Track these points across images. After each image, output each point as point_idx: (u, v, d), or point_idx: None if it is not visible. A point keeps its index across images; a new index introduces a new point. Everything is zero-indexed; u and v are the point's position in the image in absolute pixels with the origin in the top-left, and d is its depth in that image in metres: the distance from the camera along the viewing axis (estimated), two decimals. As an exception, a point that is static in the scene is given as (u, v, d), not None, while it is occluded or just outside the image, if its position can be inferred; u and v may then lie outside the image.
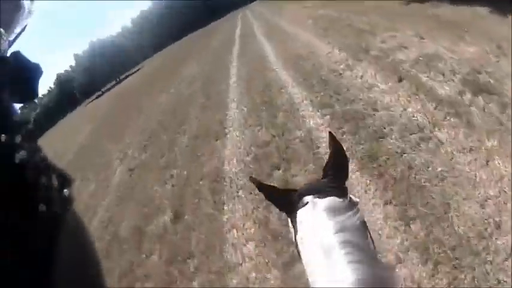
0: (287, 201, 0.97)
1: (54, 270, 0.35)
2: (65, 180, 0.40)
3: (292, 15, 17.54)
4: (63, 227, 0.37)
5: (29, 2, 0.47)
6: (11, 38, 0.44)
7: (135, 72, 52.16)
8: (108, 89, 53.66)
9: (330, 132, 1.05)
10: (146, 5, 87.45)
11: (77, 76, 62.28)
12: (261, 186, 1.05)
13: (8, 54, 0.42)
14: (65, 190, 0.39)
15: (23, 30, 0.47)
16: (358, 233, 0.84)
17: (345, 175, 1.00)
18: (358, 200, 0.96)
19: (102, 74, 56.21)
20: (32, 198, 0.35)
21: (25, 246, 0.33)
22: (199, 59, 18.52)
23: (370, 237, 0.91)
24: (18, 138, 0.36)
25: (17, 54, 0.42)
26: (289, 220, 0.97)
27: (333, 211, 0.85)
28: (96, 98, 53.56)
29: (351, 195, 0.94)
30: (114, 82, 58.64)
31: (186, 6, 68.79)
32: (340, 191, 0.92)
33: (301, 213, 0.91)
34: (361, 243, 0.82)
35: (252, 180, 1.08)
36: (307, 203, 0.90)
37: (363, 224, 0.88)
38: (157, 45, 66.45)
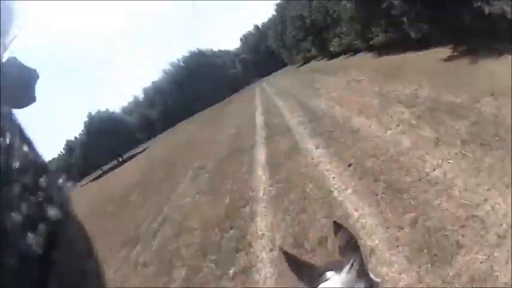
0: (310, 274, 1.03)
1: (52, 272, 0.35)
2: (63, 184, 0.40)
3: (347, 97, 10.92)
4: (62, 230, 0.37)
5: (24, 5, 0.46)
6: (6, 42, 0.44)
7: (139, 153, 46.91)
8: (110, 169, 47.91)
9: (334, 221, 1.13)
10: (158, 75, 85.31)
11: (76, 151, 56.86)
12: (288, 257, 1.12)
13: (4, 59, 0.43)
14: (64, 194, 0.39)
15: (17, 35, 0.45)
16: None
17: (359, 253, 1.00)
18: (379, 280, 1.00)
19: (101, 150, 50.68)
20: (31, 201, 0.35)
21: (23, 248, 0.33)
22: (197, 184, 10.36)
23: None
24: (16, 142, 0.36)
25: (12, 60, 0.43)
26: None
27: (348, 283, 0.90)
28: (94, 179, 47.46)
29: (372, 276, 0.98)
30: (116, 162, 53.27)
31: (200, 79, 65.91)
32: (360, 270, 0.95)
33: (322, 285, 0.95)
34: None
35: (282, 251, 1.36)
36: (328, 278, 0.96)
37: None
38: (165, 122, 63.05)
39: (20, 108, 0.43)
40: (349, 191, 5.08)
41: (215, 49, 75.39)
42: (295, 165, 7.16)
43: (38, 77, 0.46)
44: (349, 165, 5.82)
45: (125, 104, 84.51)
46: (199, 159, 12.66)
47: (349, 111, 9.01)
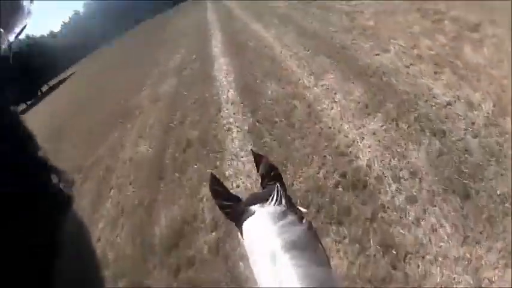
0: (235, 211, 0.98)
1: (54, 266, 0.34)
2: (66, 180, 0.39)
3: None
4: (63, 226, 0.36)
5: (28, 1, 0.46)
6: (11, 38, 0.43)
7: (63, 80, 38.27)
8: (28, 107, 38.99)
9: (251, 150, 1.22)
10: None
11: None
12: (215, 182, 1.08)
13: (9, 54, 0.42)
14: (66, 190, 0.38)
15: (22, 30, 0.45)
16: (303, 236, 0.82)
17: (282, 184, 0.99)
18: (305, 210, 0.99)
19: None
20: (34, 197, 0.34)
21: (27, 243, 0.32)
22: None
23: (320, 243, 0.91)
24: (19, 138, 0.35)
25: (18, 53, 0.64)
26: (238, 231, 0.96)
27: (276, 217, 0.84)
28: None
29: (298, 207, 0.96)
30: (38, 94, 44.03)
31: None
32: (282, 199, 0.91)
33: (247, 223, 0.90)
34: (306, 246, 0.81)
35: (212, 176, 1.09)
36: (253, 212, 0.90)
37: (310, 231, 0.87)
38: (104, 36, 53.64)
39: (24, 102, 0.86)
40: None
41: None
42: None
43: (44, 71, 0.64)
44: None
45: (66, 20, 76.43)
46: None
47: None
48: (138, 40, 26.60)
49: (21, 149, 0.34)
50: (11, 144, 0.34)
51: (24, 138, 0.36)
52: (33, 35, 49.54)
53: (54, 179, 0.36)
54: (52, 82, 43.50)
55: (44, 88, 43.11)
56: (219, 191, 1.06)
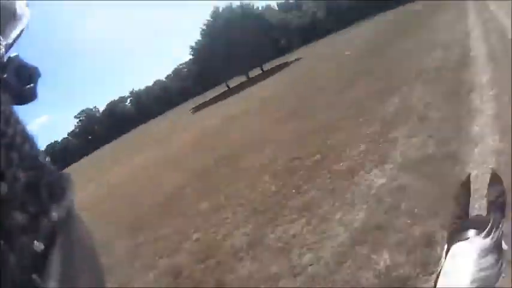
0: (458, 227, 0.90)
1: (49, 272, 0.32)
2: (66, 183, 0.39)
3: None
4: (62, 230, 0.36)
5: (24, 4, 0.46)
6: (9, 43, 0.44)
7: (286, 64, 34.92)
8: (236, 90, 37.55)
9: (492, 169, 1.06)
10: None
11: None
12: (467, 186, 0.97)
13: (6, 56, 0.42)
14: (65, 192, 0.38)
15: (20, 34, 0.46)
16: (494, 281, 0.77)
17: (503, 215, 0.90)
18: (506, 247, 0.85)
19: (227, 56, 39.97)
20: (31, 199, 0.33)
21: (24, 249, 0.31)
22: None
23: None
24: (18, 139, 0.35)
25: (15, 58, 0.43)
26: (446, 245, 0.88)
27: (478, 255, 0.79)
28: (212, 100, 37.81)
29: (503, 244, 0.85)
30: (245, 78, 42.22)
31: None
32: (491, 236, 0.84)
33: (457, 246, 0.84)
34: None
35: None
36: (467, 238, 0.85)
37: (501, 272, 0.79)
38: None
39: (21, 104, 0.42)
40: None
41: None
42: None
43: (39, 75, 0.44)
44: None
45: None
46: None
47: None
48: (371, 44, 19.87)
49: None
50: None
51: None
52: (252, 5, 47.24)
53: (53, 180, 0.35)
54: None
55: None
56: (464, 199, 0.94)
